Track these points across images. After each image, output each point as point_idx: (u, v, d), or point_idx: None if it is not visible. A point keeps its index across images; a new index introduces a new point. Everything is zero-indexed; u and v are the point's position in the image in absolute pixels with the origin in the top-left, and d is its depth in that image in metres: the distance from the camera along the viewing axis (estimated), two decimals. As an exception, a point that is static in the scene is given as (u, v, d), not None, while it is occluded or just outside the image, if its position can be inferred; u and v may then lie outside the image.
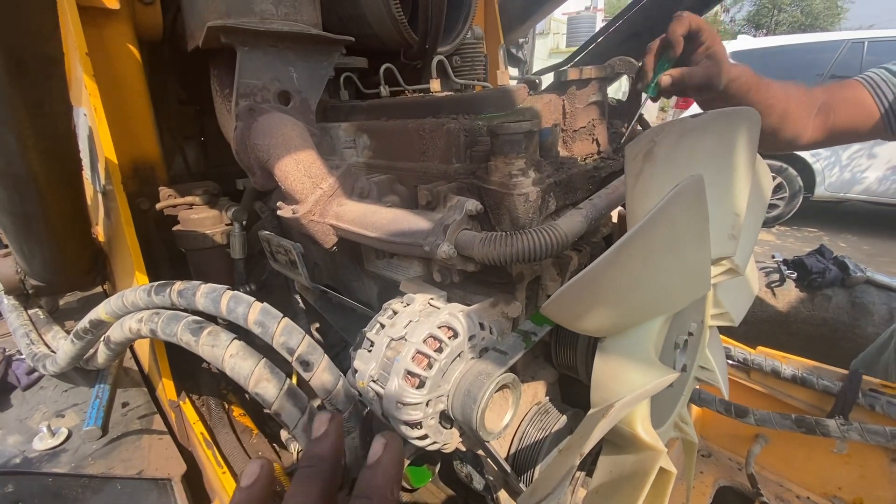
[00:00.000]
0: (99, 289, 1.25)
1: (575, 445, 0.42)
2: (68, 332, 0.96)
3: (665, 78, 0.67)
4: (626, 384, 0.52)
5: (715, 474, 1.14)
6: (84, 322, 0.66)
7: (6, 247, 0.99)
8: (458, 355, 0.54)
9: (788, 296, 1.55)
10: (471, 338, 0.55)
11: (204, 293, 0.54)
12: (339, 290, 0.89)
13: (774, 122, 0.78)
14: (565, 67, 0.73)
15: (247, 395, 1.02)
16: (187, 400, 0.82)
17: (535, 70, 3.15)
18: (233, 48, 0.72)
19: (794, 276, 1.51)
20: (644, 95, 0.71)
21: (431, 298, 0.59)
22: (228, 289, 0.55)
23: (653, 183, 0.54)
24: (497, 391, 0.53)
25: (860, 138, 0.81)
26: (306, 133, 0.76)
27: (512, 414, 0.55)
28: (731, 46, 5.50)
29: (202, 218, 0.86)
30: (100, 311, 0.63)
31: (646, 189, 0.54)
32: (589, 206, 0.59)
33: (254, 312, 0.53)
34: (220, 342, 0.50)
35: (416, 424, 0.52)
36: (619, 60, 0.75)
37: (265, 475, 0.31)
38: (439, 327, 0.54)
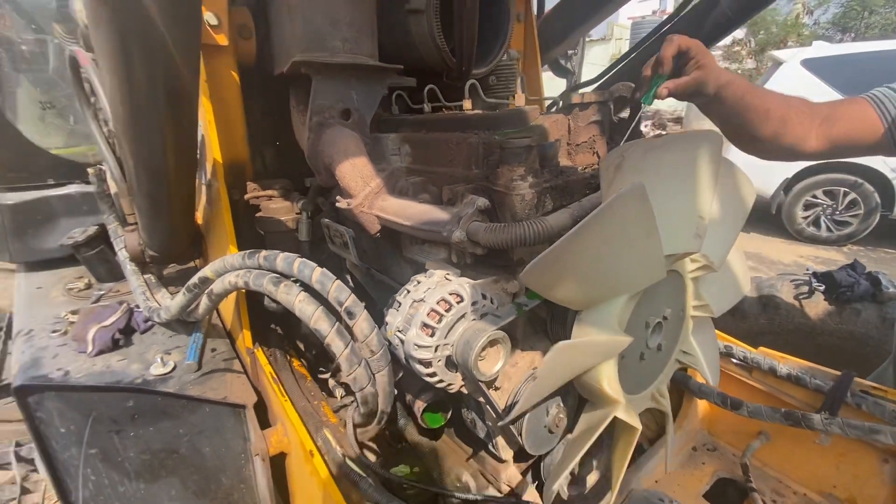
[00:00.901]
0: (192, 264, 1.53)
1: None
2: (171, 294, 1.23)
3: (661, 90, 0.79)
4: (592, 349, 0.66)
5: (716, 466, 1.21)
6: (194, 279, 0.89)
7: (131, 225, 1.27)
8: (463, 316, 0.70)
9: (816, 308, 1.56)
10: (474, 303, 0.71)
11: (282, 259, 0.74)
12: (381, 273, 1.08)
13: (774, 127, 0.85)
14: (585, 90, 0.88)
15: (303, 359, 1.24)
16: (259, 349, 1.04)
17: (582, 79, 3.21)
18: (309, 76, 0.94)
19: (822, 288, 1.53)
20: (639, 113, 0.84)
21: (447, 274, 0.76)
22: (299, 257, 0.75)
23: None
24: (490, 345, 0.69)
25: (864, 152, 0.87)
26: (361, 143, 0.96)
27: (502, 364, 0.71)
28: (802, 54, 5.23)
29: (278, 207, 1.09)
30: (206, 271, 0.85)
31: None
32: (576, 206, 0.74)
33: (316, 274, 0.72)
34: (293, 292, 0.70)
35: (427, 363, 0.69)
36: (622, 85, 0.88)
37: None
38: (450, 293, 0.71)
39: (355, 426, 0.86)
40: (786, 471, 1.15)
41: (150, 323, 1.16)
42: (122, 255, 1.25)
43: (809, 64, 5.09)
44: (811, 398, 1.03)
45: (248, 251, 0.78)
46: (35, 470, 1.59)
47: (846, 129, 0.84)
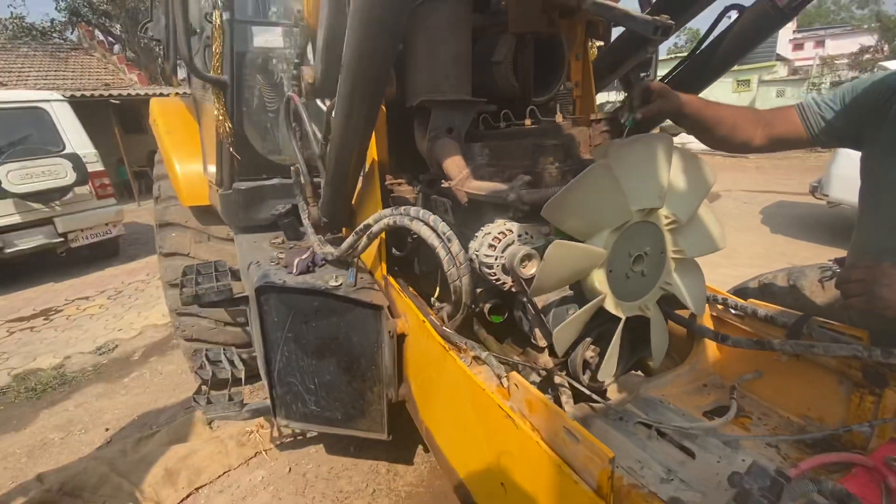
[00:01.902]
0: (341, 233, 2.24)
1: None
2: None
3: (637, 115, 1.25)
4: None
5: (719, 396, 1.55)
6: (359, 227, 1.53)
7: (312, 204, 1.99)
8: (512, 242, 1.23)
9: (833, 289, 1.80)
10: (519, 236, 1.24)
11: (413, 209, 1.34)
12: (468, 231, 1.64)
13: (726, 131, 1.26)
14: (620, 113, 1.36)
15: (413, 289, 1.84)
16: (391, 277, 1.66)
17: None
18: (429, 108, 1.54)
19: (838, 269, 1.77)
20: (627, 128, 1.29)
21: (505, 221, 1.30)
22: (423, 210, 1.34)
23: (607, 168, 1.15)
24: (528, 259, 1.20)
25: (797, 147, 1.24)
26: (458, 148, 1.54)
27: (535, 270, 1.21)
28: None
29: (405, 189, 1.71)
30: (368, 220, 1.49)
31: (603, 171, 1.16)
32: (584, 181, 1.23)
33: (431, 217, 1.30)
34: (418, 224, 1.30)
35: (490, 266, 1.22)
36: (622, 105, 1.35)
37: None
38: (506, 229, 1.24)
39: (448, 316, 1.42)
40: (773, 400, 1.46)
41: (323, 262, 1.85)
42: (306, 222, 1.98)
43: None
44: (783, 335, 1.37)
45: (393, 207, 1.40)
46: (235, 366, 2.40)
47: (779, 130, 1.22)
